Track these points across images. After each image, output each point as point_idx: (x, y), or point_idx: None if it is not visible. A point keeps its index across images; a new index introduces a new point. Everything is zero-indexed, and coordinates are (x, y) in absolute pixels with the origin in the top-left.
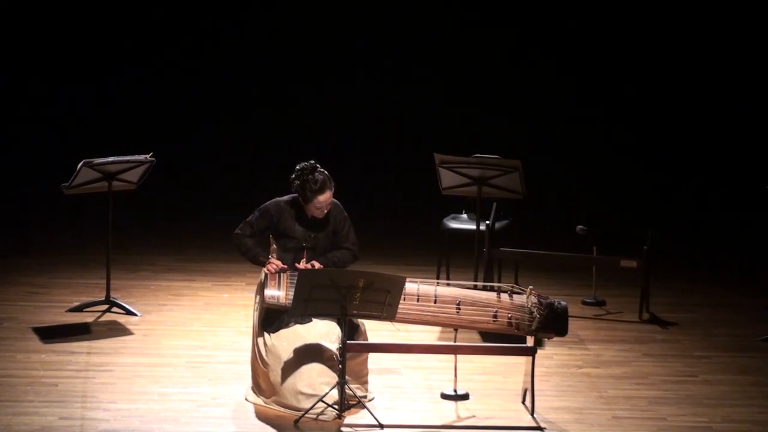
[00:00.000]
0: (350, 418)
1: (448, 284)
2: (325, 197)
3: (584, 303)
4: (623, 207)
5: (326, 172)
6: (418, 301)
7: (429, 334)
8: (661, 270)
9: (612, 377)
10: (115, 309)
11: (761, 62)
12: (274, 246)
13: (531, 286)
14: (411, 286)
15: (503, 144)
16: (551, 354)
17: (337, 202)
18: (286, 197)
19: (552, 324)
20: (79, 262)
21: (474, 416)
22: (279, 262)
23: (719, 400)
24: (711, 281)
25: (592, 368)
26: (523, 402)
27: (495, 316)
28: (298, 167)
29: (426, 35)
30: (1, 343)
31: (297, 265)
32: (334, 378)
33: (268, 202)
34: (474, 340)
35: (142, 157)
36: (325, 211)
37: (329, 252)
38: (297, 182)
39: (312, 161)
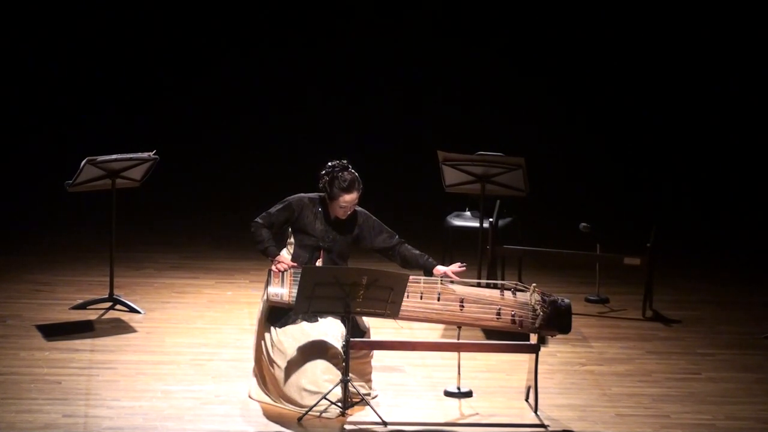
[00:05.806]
0: (354, 416)
1: (452, 282)
2: (351, 197)
3: (588, 300)
4: (627, 204)
5: (356, 173)
6: (421, 298)
7: (432, 332)
8: (665, 267)
9: (615, 375)
10: (118, 306)
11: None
12: (291, 240)
13: (534, 284)
14: (414, 284)
15: (507, 141)
16: (554, 351)
17: (363, 210)
18: (311, 194)
19: (555, 321)
20: (82, 259)
21: (477, 414)
22: (287, 261)
23: (723, 397)
24: (715, 279)
25: (595, 366)
26: (527, 399)
27: (498, 314)
28: (329, 164)
29: (428, 34)
30: (5, 341)
31: (445, 270)
32: (338, 375)
33: (291, 196)
34: (477, 337)
35: (145, 154)
36: (348, 212)
37: (347, 256)
38: (326, 178)
39: (344, 160)
